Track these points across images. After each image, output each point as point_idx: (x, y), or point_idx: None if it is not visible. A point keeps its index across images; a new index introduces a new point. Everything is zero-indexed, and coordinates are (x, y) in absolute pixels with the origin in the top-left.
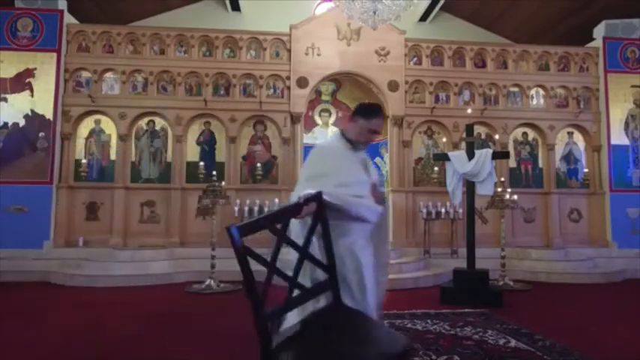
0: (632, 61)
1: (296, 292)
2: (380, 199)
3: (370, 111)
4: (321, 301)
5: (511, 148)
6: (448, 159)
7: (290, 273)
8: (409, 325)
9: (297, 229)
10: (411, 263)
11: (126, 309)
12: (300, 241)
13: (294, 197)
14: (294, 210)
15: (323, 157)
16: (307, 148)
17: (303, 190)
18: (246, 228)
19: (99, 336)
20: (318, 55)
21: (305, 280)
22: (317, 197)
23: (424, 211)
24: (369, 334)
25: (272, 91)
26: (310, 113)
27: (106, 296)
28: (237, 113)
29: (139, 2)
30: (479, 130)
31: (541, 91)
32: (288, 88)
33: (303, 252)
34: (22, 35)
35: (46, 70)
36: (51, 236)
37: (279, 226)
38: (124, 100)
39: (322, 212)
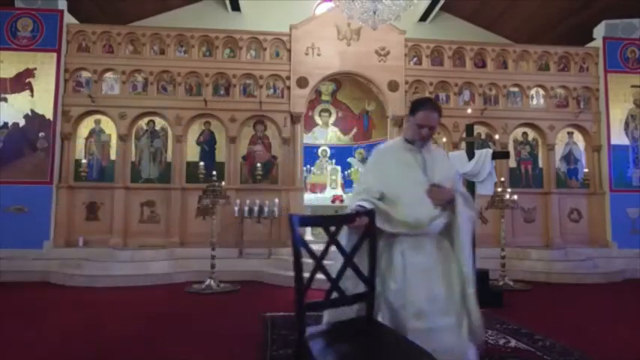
0: (632, 61)
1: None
2: (438, 199)
3: (415, 106)
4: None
5: (511, 148)
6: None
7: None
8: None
9: (344, 234)
10: None
11: (126, 309)
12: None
13: (352, 196)
14: (349, 219)
15: (376, 163)
16: (307, 148)
17: (357, 196)
18: (305, 220)
19: (99, 336)
20: (318, 55)
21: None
22: (370, 213)
23: None
24: (395, 346)
25: (272, 91)
26: (310, 113)
27: (106, 296)
28: (237, 113)
29: (139, 2)
30: (479, 130)
31: (541, 91)
32: (288, 88)
33: (348, 259)
34: (22, 35)
35: (46, 70)
36: (51, 236)
37: (332, 228)
38: (124, 100)
39: (372, 228)
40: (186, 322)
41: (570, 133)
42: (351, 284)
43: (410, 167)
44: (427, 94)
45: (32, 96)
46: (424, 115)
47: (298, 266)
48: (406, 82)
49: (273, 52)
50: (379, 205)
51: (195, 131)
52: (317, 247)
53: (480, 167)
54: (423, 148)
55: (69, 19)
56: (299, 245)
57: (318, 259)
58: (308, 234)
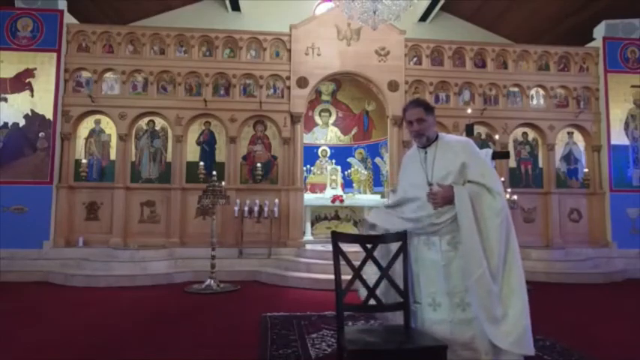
0: (632, 61)
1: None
2: (435, 202)
3: (403, 110)
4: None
5: (511, 148)
6: None
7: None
8: (410, 325)
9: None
10: None
11: (126, 309)
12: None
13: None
14: (384, 239)
15: (402, 170)
16: (307, 148)
17: (386, 210)
18: (342, 237)
19: (99, 336)
20: (318, 55)
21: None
22: (402, 237)
23: None
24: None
25: (272, 91)
26: (310, 113)
27: (106, 296)
28: (237, 113)
29: (139, 2)
30: (479, 130)
31: (541, 91)
32: (288, 88)
33: (385, 272)
34: (22, 35)
35: (46, 70)
36: (51, 236)
37: (369, 245)
38: (124, 100)
39: (405, 248)
40: (187, 322)
41: (570, 133)
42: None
43: (415, 169)
44: (427, 94)
45: (32, 96)
46: (408, 112)
47: (338, 275)
48: (406, 82)
49: (273, 52)
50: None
51: (195, 131)
52: (316, 247)
53: None
54: (430, 146)
55: (69, 19)
56: (339, 261)
57: (356, 271)
58: (308, 234)
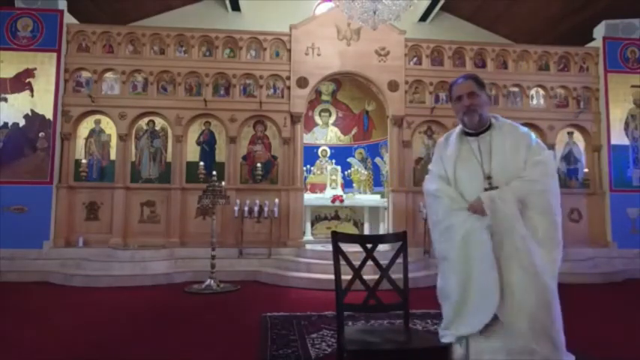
0: (632, 61)
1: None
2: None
3: (450, 86)
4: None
5: None
6: None
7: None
8: (409, 326)
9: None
10: (411, 263)
11: (126, 309)
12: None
13: (428, 185)
14: (383, 239)
15: (435, 155)
16: (307, 148)
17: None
18: (342, 237)
19: (99, 336)
20: (318, 55)
21: None
22: (401, 237)
23: (424, 211)
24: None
25: (272, 91)
26: (310, 113)
27: (106, 296)
28: (237, 113)
29: (139, 2)
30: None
31: (541, 91)
32: (288, 88)
33: (385, 272)
34: (22, 35)
35: (46, 70)
36: (51, 236)
37: (369, 245)
38: (124, 100)
39: (405, 248)
40: (187, 322)
41: (570, 133)
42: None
43: (466, 160)
44: (427, 94)
45: (32, 96)
46: (456, 86)
47: (338, 275)
48: (406, 82)
49: (273, 52)
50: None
51: (195, 131)
52: (316, 247)
53: None
54: (483, 133)
55: (69, 19)
56: (338, 261)
57: (356, 271)
58: (308, 234)
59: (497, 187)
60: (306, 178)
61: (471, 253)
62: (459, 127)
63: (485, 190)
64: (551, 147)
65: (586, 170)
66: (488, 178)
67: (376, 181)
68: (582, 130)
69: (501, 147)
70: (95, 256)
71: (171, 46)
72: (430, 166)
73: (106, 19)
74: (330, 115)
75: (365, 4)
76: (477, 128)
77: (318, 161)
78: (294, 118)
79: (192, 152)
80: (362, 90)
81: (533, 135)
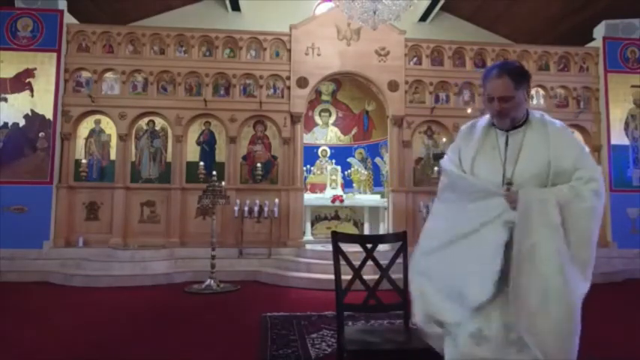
0: (632, 61)
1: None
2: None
3: (483, 76)
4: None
5: None
6: None
7: None
8: (409, 326)
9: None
10: None
11: (126, 309)
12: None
13: (446, 163)
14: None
15: (455, 143)
16: (307, 148)
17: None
18: (342, 237)
19: (99, 336)
20: (318, 55)
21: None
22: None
23: (424, 211)
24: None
25: (272, 91)
26: (310, 113)
27: (106, 296)
28: (237, 113)
29: (139, 2)
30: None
31: (541, 91)
32: (288, 88)
33: (385, 272)
34: (22, 35)
35: (46, 70)
36: (51, 236)
37: (369, 245)
38: (124, 100)
39: (405, 248)
40: (186, 322)
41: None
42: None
43: (487, 155)
44: (427, 94)
45: (32, 96)
46: (489, 84)
47: (338, 275)
48: (406, 82)
49: (273, 52)
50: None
51: (195, 131)
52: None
53: None
54: (516, 129)
55: (69, 19)
56: (338, 261)
57: (356, 271)
58: (308, 234)
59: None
60: (306, 178)
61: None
62: (489, 117)
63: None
64: None
65: None
66: (509, 183)
67: (376, 181)
68: (582, 130)
69: (534, 148)
70: (95, 256)
71: (171, 46)
72: (447, 151)
73: (106, 19)
74: (330, 115)
75: (365, 4)
76: (509, 128)
77: (318, 161)
78: (294, 118)
79: (192, 152)
80: (362, 90)
81: (582, 143)
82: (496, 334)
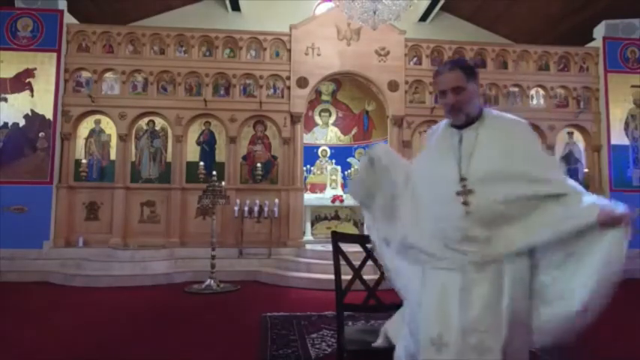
0: (632, 61)
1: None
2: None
3: (434, 75)
4: None
5: None
6: None
7: None
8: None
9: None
10: None
11: (126, 309)
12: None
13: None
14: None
15: (424, 150)
16: (307, 148)
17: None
18: (342, 237)
19: (99, 336)
20: (318, 55)
21: None
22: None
23: None
24: None
25: (272, 91)
26: (310, 113)
27: (106, 296)
28: (237, 113)
29: (139, 2)
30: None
31: (541, 91)
32: (288, 88)
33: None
34: (22, 35)
35: (46, 70)
36: (51, 236)
37: (369, 245)
38: (124, 100)
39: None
40: (186, 322)
41: (570, 133)
42: None
43: (444, 156)
44: (427, 94)
45: (32, 96)
46: (441, 78)
47: (338, 275)
48: (406, 82)
49: (273, 52)
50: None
51: (195, 131)
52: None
53: None
54: (469, 126)
55: (69, 19)
56: (338, 261)
57: (356, 271)
58: (308, 234)
59: (470, 191)
60: (306, 178)
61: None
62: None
63: (457, 193)
64: (551, 147)
65: (586, 170)
66: (463, 179)
67: None
68: (582, 130)
69: (488, 145)
70: (95, 256)
71: (171, 46)
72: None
73: (106, 19)
74: (330, 115)
75: (365, 4)
76: (465, 124)
77: (318, 161)
78: (294, 118)
79: (192, 152)
80: (362, 90)
81: (537, 140)
82: (455, 339)
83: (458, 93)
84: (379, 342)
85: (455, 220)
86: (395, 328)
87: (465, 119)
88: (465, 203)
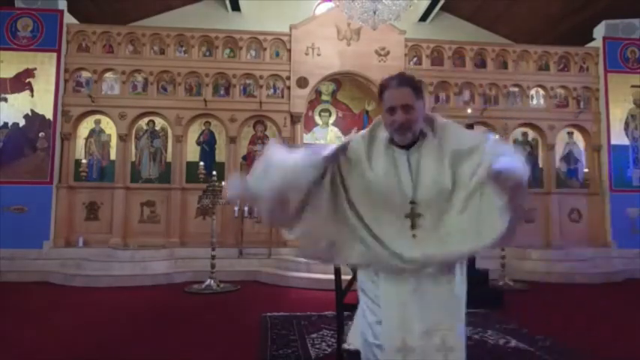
0: (632, 61)
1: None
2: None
3: (380, 88)
4: None
5: None
6: None
7: None
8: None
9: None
10: None
11: (126, 309)
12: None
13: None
14: None
15: (353, 160)
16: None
17: None
18: None
19: (99, 336)
20: (318, 55)
21: None
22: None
23: None
24: None
25: (272, 91)
26: (310, 113)
27: (106, 296)
28: (237, 113)
29: (139, 2)
30: (479, 130)
31: (541, 91)
32: (288, 88)
33: None
34: (22, 35)
35: (46, 70)
36: (51, 236)
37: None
38: (124, 100)
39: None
40: (186, 322)
41: (570, 133)
42: None
43: (390, 176)
44: (427, 94)
45: (32, 96)
46: (389, 93)
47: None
48: None
49: (273, 52)
50: None
51: (195, 131)
52: None
53: None
54: (414, 146)
55: (69, 19)
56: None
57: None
58: None
59: (420, 215)
60: None
61: None
62: (387, 135)
63: (406, 216)
64: (551, 147)
65: (586, 170)
66: (412, 202)
67: None
68: (582, 130)
69: (430, 164)
70: (95, 256)
71: (171, 46)
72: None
73: (106, 19)
74: (330, 115)
75: (365, 4)
76: (409, 144)
77: None
78: (294, 118)
79: (192, 152)
80: (362, 90)
81: (451, 124)
82: (419, 342)
83: (407, 111)
84: (348, 346)
85: (402, 242)
86: (354, 336)
87: (411, 138)
88: (413, 226)
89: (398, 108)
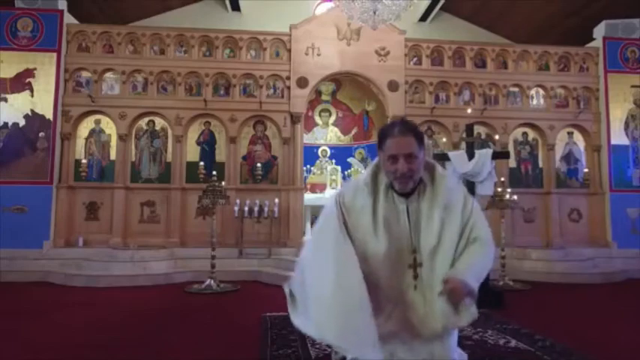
0: (632, 61)
1: None
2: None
3: (382, 134)
4: None
5: (511, 148)
6: (448, 159)
7: None
8: None
9: None
10: None
11: (126, 309)
12: None
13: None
14: None
15: (354, 215)
16: (307, 148)
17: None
18: None
19: (99, 336)
20: (318, 55)
21: None
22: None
23: None
24: None
25: (272, 91)
26: (310, 113)
27: (106, 296)
28: (237, 113)
29: (139, 2)
30: (479, 130)
31: (541, 91)
32: (288, 88)
33: None
34: (22, 35)
35: (46, 70)
36: (51, 236)
37: None
38: (124, 100)
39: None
40: (187, 322)
41: (570, 133)
42: None
43: (392, 224)
44: (427, 94)
45: (32, 96)
46: (393, 141)
47: None
48: (406, 82)
49: (273, 52)
50: None
51: (195, 131)
52: None
53: (479, 167)
54: (413, 194)
55: (69, 19)
56: None
57: None
58: (308, 234)
59: (421, 264)
60: (306, 178)
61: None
62: (387, 181)
63: (410, 266)
64: (551, 147)
65: (586, 170)
66: (414, 252)
67: None
68: (582, 130)
69: (431, 215)
70: (95, 256)
71: (171, 46)
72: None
73: (106, 19)
74: (330, 115)
75: (365, 4)
76: (410, 192)
77: (318, 161)
78: (294, 118)
79: (192, 152)
80: (362, 90)
81: (462, 189)
82: (408, 354)
83: (410, 161)
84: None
85: (403, 291)
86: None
87: (412, 187)
88: (415, 276)
89: (400, 157)
